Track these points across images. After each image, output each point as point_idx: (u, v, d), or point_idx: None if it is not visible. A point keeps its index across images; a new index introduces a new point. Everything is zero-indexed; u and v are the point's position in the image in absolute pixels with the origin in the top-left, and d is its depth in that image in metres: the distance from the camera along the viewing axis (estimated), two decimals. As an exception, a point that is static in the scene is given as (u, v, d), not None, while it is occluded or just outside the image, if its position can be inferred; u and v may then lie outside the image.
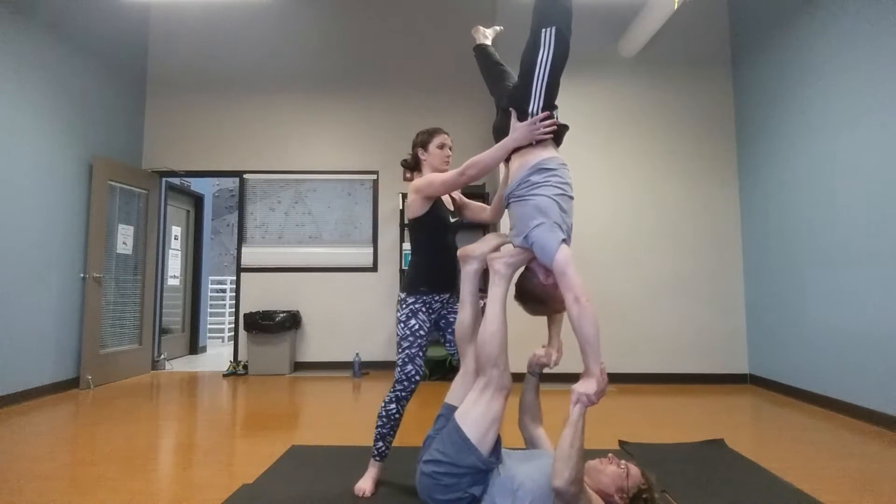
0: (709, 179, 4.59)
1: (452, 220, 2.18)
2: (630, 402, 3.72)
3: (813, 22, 3.68)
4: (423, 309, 2.09)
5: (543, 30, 1.77)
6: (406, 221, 2.18)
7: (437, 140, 2.18)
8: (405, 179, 5.28)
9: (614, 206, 4.57)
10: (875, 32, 3.15)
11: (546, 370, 1.98)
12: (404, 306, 2.10)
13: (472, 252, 1.92)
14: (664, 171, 4.60)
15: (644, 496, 1.55)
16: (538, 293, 1.79)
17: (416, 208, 2.10)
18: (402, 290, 2.15)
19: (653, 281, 4.50)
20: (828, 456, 2.56)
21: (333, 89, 5.39)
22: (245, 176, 5.36)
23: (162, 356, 5.33)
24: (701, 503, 1.96)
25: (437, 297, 2.12)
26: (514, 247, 1.82)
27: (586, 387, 1.52)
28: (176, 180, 5.78)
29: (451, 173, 2.01)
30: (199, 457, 2.56)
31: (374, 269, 5.26)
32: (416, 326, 2.07)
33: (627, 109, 4.66)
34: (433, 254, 2.12)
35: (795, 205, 3.84)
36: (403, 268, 4.96)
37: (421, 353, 2.08)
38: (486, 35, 2.40)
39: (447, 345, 2.19)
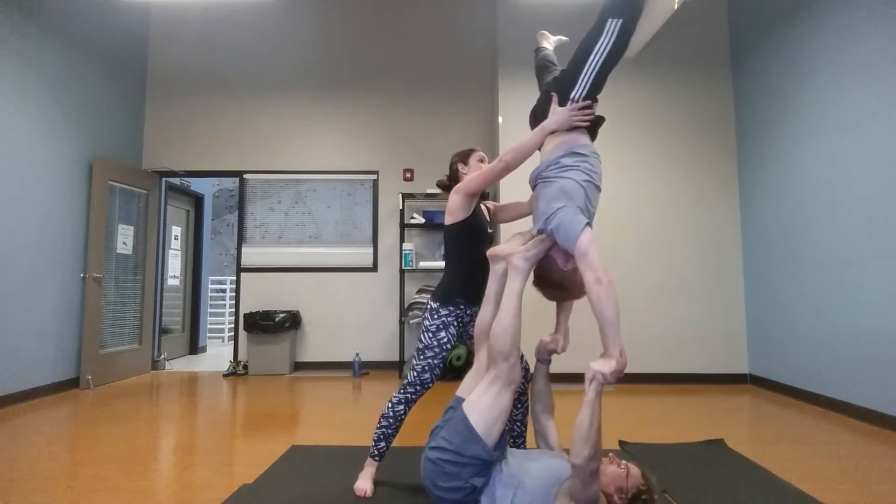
0: (709, 179, 4.59)
1: (490, 230, 2.19)
2: (630, 402, 3.72)
3: (813, 22, 3.67)
4: (455, 323, 2.08)
5: (610, 20, 1.75)
6: (444, 228, 2.15)
7: (476, 155, 2.22)
8: (405, 180, 5.29)
9: (613, 206, 4.56)
10: (875, 33, 3.15)
11: (550, 371, 1.98)
12: (436, 316, 2.07)
13: (500, 252, 1.91)
14: (664, 171, 4.60)
15: (643, 497, 1.55)
16: (557, 279, 1.79)
17: (456, 210, 2.05)
18: (435, 299, 2.11)
19: (652, 281, 4.50)
20: (828, 456, 2.56)
21: (333, 89, 5.39)
22: (245, 176, 5.36)
23: (162, 356, 5.33)
24: (701, 503, 1.96)
25: (468, 312, 2.10)
26: (534, 235, 1.81)
27: (603, 365, 1.52)
28: (176, 180, 5.78)
29: (489, 165, 2.01)
30: (199, 457, 2.56)
31: (374, 269, 5.26)
32: (445, 339, 2.05)
33: (627, 109, 4.66)
34: (471, 264, 2.08)
35: (795, 204, 3.84)
36: (403, 268, 4.96)
37: (441, 364, 2.07)
38: (551, 42, 2.44)
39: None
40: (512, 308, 1.73)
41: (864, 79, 3.22)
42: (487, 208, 2.30)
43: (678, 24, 4.43)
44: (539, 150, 1.96)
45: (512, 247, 1.89)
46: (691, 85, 4.66)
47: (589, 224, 1.68)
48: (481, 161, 2.20)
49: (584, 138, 1.86)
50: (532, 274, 1.86)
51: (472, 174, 2.07)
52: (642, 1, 1.81)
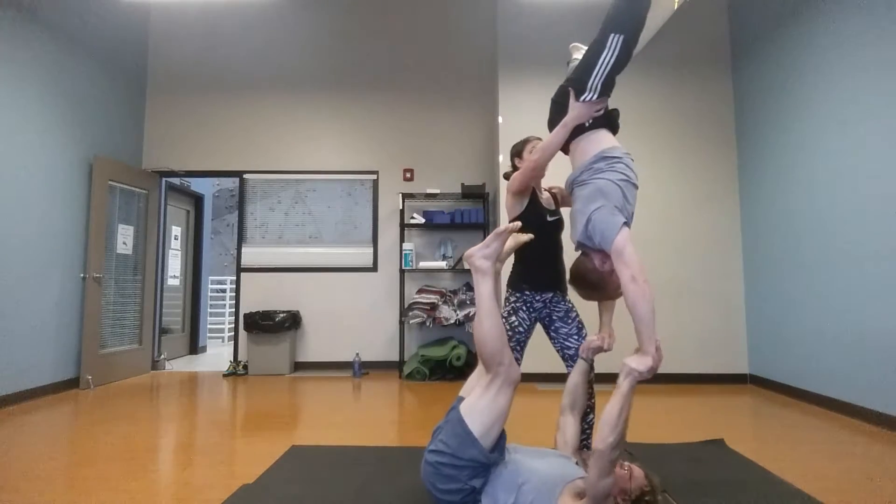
0: (709, 179, 4.59)
1: (552, 218, 2.25)
2: (630, 402, 3.71)
3: (812, 22, 3.67)
4: (524, 308, 2.20)
5: (612, 35, 1.80)
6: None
7: (529, 147, 2.28)
8: (405, 180, 5.29)
9: (614, 206, 4.56)
10: (875, 33, 3.15)
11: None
12: (507, 303, 2.22)
13: (474, 254, 1.91)
14: (664, 171, 4.60)
15: (647, 498, 1.54)
16: (593, 279, 1.81)
17: (510, 208, 2.22)
18: (507, 286, 2.28)
19: (653, 281, 4.46)
20: (828, 456, 2.56)
21: (334, 89, 5.39)
22: (245, 176, 5.36)
23: (162, 356, 5.33)
24: (701, 503, 1.96)
25: (538, 297, 2.21)
26: (577, 242, 1.83)
27: (639, 363, 1.57)
28: (176, 180, 5.78)
29: (522, 167, 2.15)
30: (199, 457, 2.56)
31: (374, 269, 5.26)
32: (516, 323, 2.18)
33: (627, 109, 4.62)
34: (533, 254, 2.19)
35: (795, 204, 3.84)
36: (403, 268, 4.96)
37: (518, 348, 2.17)
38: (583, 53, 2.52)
39: (554, 342, 2.24)
40: (487, 311, 1.72)
41: (864, 78, 3.22)
42: (553, 194, 2.37)
43: (678, 24, 4.43)
44: (564, 152, 2.00)
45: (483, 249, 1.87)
46: (691, 85, 4.66)
47: (626, 223, 1.71)
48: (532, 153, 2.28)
49: (612, 141, 1.90)
50: (568, 272, 1.90)
51: (514, 174, 2.19)
52: (643, 17, 1.86)
